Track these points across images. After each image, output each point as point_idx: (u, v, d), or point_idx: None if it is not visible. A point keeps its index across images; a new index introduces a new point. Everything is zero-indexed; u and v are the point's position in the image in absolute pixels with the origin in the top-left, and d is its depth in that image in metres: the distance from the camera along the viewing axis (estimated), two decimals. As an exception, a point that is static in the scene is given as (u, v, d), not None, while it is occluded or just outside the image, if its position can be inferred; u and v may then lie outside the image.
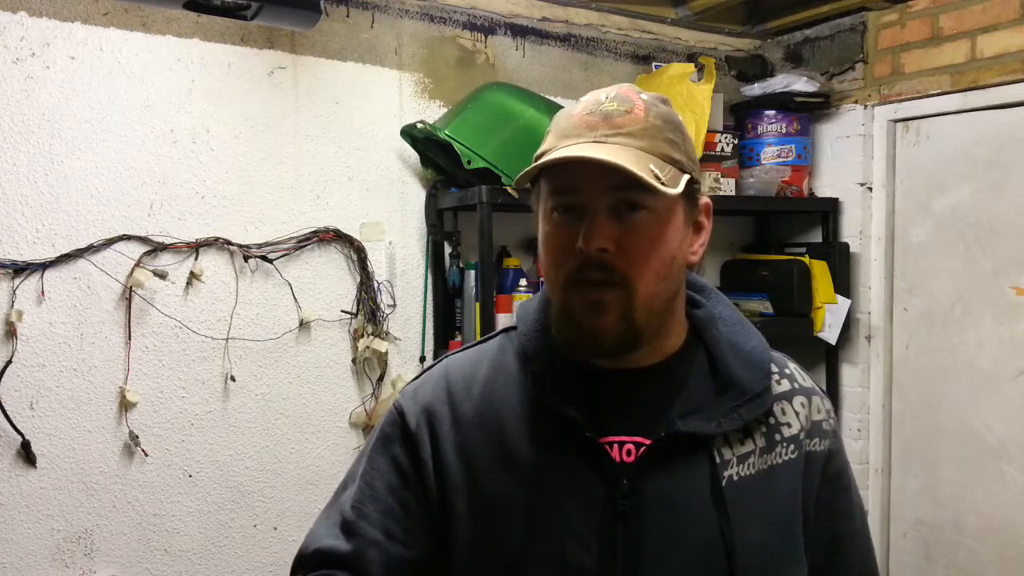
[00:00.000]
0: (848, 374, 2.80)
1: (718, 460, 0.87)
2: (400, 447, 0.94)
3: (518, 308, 1.01)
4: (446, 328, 2.39)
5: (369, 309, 2.29)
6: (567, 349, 0.90)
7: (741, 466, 0.88)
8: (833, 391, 2.79)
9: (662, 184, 0.81)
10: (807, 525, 0.92)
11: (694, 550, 0.85)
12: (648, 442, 0.87)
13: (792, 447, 0.91)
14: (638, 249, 0.84)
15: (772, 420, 0.92)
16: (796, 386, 0.96)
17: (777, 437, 0.91)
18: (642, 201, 0.84)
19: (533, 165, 0.85)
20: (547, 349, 0.92)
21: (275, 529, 2.20)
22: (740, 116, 2.82)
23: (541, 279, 2.42)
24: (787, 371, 0.97)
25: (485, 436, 0.91)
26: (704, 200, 0.92)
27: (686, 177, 0.85)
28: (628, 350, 0.87)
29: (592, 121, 0.85)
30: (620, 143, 0.83)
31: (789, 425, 0.92)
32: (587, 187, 0.84)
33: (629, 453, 0.87)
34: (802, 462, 0.92)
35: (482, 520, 0.89)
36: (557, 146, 0.85)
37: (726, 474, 0.87)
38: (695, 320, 0.96)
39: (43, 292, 1.89)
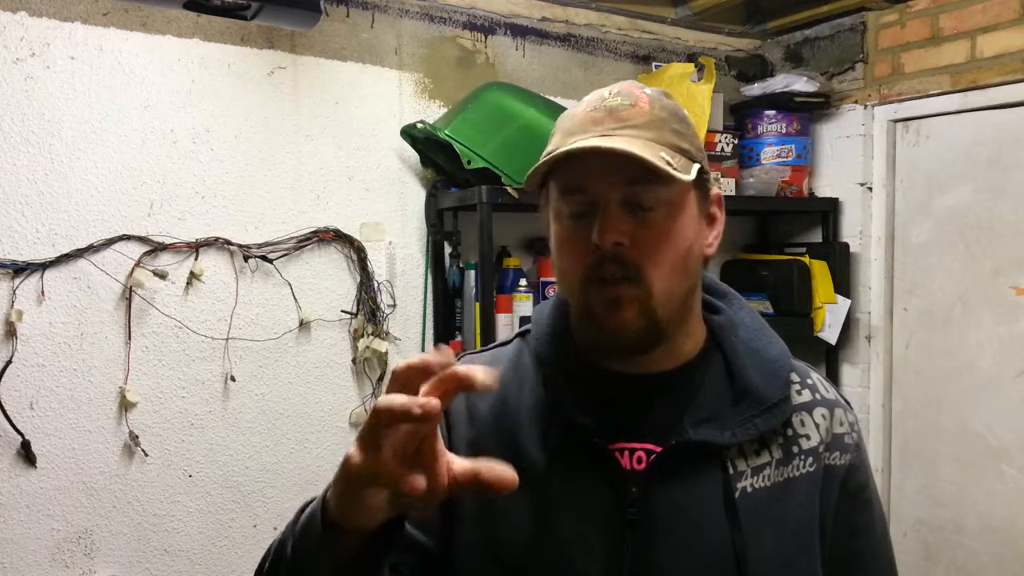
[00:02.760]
0: (848, 374, 2.80)
1: (731, 471, 0.85)
2: None
3: (533, 311, 1.01)
4: (446, 328, 2.39)
5: (369, 309, 2.29)
6: (589, 350, 0.89)
7: (756, 478, 0.86)
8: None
9: (674, 170, 0.80)
10: (824, 540, 0.89)
11: (704, 561, 0.83)
12: (660, 450, 0.85)
13: (811, 460, 0.89)
14: (653, 243, 0.83)
15: (790, 432, 0.89)
16: (818, 397, 0.93)
17: (795, 449, 0.89)
18: (654, 193, 0.82)
19: (542, 160, 0.84)
20: (560, 353, 0.91)
21: (275, 529, 2.20)
22: (740, 116, 2.82)
23: (542, 279, 2.43)
24: (809, 381, 0.94)
25: (497, 436, 0.90)
26: (715, 191, 0.91)
27: (696, 166, 0.84)
28: (649, 346, 0.85)
29: (597, 117, 0.84)
30: (628, 135, 0.82)
31: (808, 437, 0.90)
32: (597, 183, 0.83)
33: (640, 461, 0.85)
34: (820, 475, 0.89)
35: (488, 521, 0.88)
36: (563, 145, 0.84)
37: (740, 485, 0.85)
38: (713, 326, 0.94)
39: (43, 292, 1.89)
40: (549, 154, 0.85)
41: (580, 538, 0.84)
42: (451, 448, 0.90)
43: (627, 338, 0.84)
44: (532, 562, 0.85)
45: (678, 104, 0.90)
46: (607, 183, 0.82)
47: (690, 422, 0.86)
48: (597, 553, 0.84)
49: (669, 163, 0.80)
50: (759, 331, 0.94)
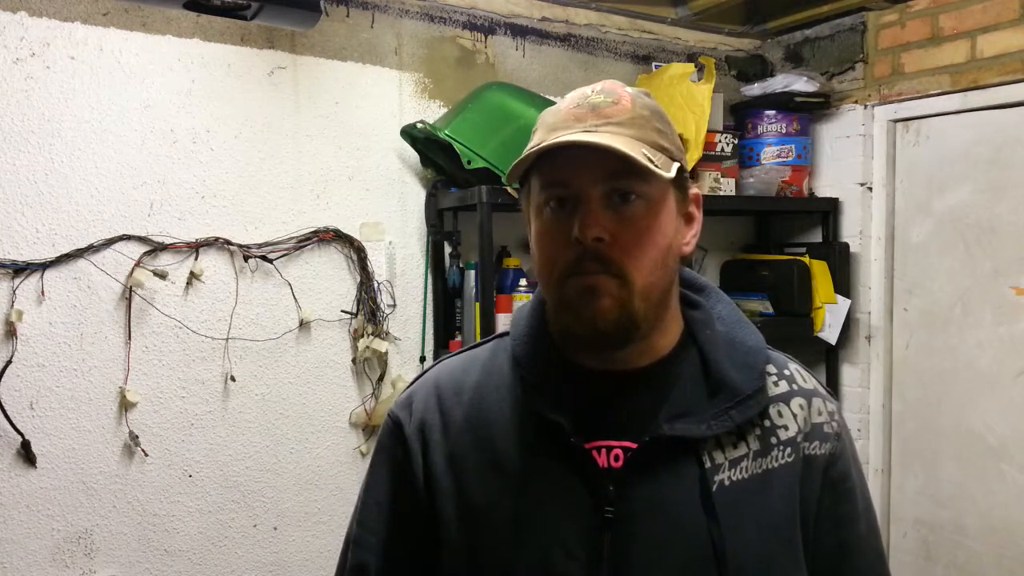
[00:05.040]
0: (848, 374, 2.80)
1: (708, 464, 0.85)
2: (395, 456, 0.95)
3: (513, 313, 1.01)
4: (446, 328, 2.39)
5: (369, 309, 2.29)
6: (565, 342, 0.89)
7: (733, 470, 0.86)
8: (833, 391, 2.77)
9: (656, 167, 0.80)
10: (807, 531, 0.89)
11: (683, 557, 0.84)
12: (636, 446, 0.85)
13: (789, 450, 0.89)
14: (634, 239, 0.83)
15: (767, 423, 0.89)
16: (795, 387, 0.93)
17: (773, 440, 0.89)
18: (635, 189, 0.83)
19: (526, 153, 0.84)
20: (538, 354, 0.92)
21: (275, 529, 2.20)
22: (740, 116, 2.82)
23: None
24: (786, 372, 0.94)
25: (474, 442, 0.91)
26: (694, 190, 0.92)
27: (676, 164, 0.85)
28: (624, 340, 0.86)
29: (580, 113, 0.85)
30: (611, 131, 0.83)
31: (786, 428, 0.90)
32: (579, 178, 0.83)
33: (617, 458, 0.86)
34: (800, 466, 0.89)
35: (470, 527, 0.88)
36: (547, 139, 0.84)
37: (717, 478, 0.85)
38: (690, 321, 0.94)
39: (43, 292, 1.89)
40: (532, 148, 0.85)
41: (560, 539, 0.85)
42: (427, 463, 0.91)
43: (603, 328, 0.84)
44: (514, 565, 0.85)
45: (658, 104, 0.90)
46: (589, 178, 0.83)
47: (665, 417, 0.86)
48: (577, 553, 0.84)
49: (651, 160, 0.81)
50: (736, 323, 0.94)
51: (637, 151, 0.80)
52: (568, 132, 0.83)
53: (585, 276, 0.83)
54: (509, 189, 2.13)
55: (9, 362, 1.86)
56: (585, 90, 0.88)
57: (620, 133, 0.82)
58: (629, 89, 0.88)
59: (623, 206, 0.83)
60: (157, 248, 2.02)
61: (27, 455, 1.88)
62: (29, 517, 1.89)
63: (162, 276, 2.02)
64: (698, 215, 0.93)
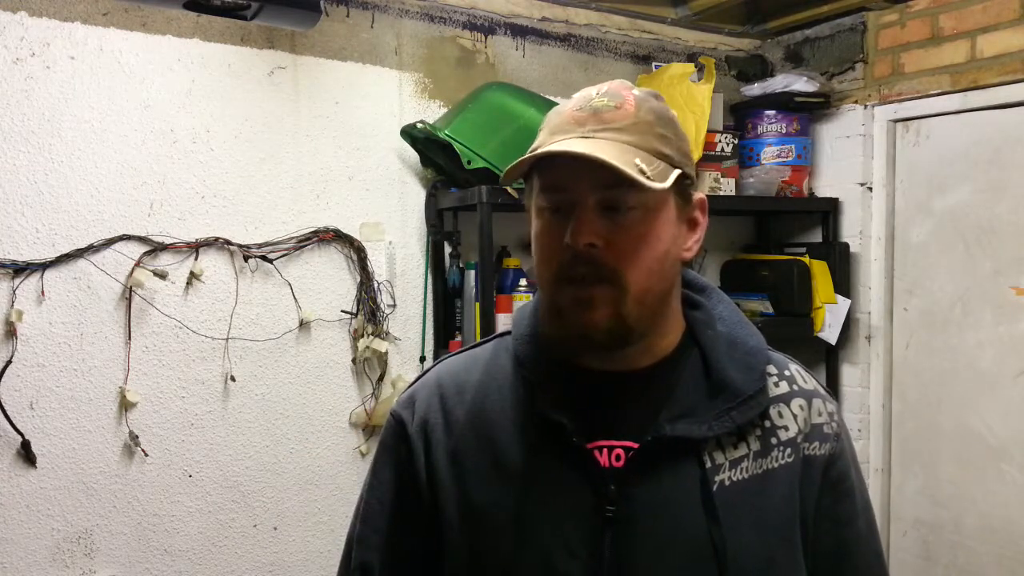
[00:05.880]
0: (848, 374, 2.80)
1: (709, 464, 0.86)
2: (398, 456, 0.96)
3: (514, 313, 1.02)
4: (446, 328, 2.39)
5: (369, 309, 2.29)
6: (556, 346, 0.90)
7: (734, 470, 0.86)
8: (833, 391, 2.78)
9: (647, 179, 0.80)
10: (807, 531, 0.89)
11: (684, 557, 0.84)
12: (637, 447, 0.86)
13: (789, 451, 0.89)
14: (628, 245, 0.83)
15: (768, 423, 0.90)
16: (795, 388, 0.93)
17: (773, 441, 0.89)
18: (628, 200, 0.83)
19: (519, 160, 0.85)
20: (540, 354, 0.92)
21: (275, 529, 2.20)
22: (740, 116, 2.82)
23: (541, 279, 2.43)
24: (787, 373, 0.95)
25: (476, 442, 0.91)
26: (698, 196, 0.91)
27: (676, 172, 0.84)
28: (618, 346, 0.86)
29: (581, 117, 0.85)
30: (607, 138, 0.83)
31: (786, 428, 0.90)
32: (575, 184, 0.83)
33: (619, 458, 0.86)
34: (799, 466, 0.89)
35: (472, 527, 0.89)
36: (547, 143, 0.85)
37: (717, 479, 0.86)
38: (692, 321, 0.94)
39: (43, 292, 1.89)
40: (531, 152, 0.85)
41: (562, 539, 0.85)
42: (430, 461, 0.91)
43: (593, 336, 0.84)
44: (515, 564, 0.86)
45: (667, 107, 0.90)
46: (585, 185, 0.83)
47: (667, 418, 0.87)
48: (579, 553, 0.84)
49: (643, 171, 0.80)
50: (737, 324, 0.95)
51: (629, 162, 0.80)
52: (566, 137, 0.84)
53: (579, 287, 0.83)
54: (509, 189, 2.13)
55: (9, 362, 1.86)
56: (590, 91, 0.88)
57: (617, 140, 0.82)
58: (636, 91, 0.88)
59: (618, 214, 0.83)
60: (157, 248, 2.02)
61: (27, 455, 1.88)
62: (29, 517, 1.89)
63: (162, 276, 2.02)
64: (703, 220, 0.92)
